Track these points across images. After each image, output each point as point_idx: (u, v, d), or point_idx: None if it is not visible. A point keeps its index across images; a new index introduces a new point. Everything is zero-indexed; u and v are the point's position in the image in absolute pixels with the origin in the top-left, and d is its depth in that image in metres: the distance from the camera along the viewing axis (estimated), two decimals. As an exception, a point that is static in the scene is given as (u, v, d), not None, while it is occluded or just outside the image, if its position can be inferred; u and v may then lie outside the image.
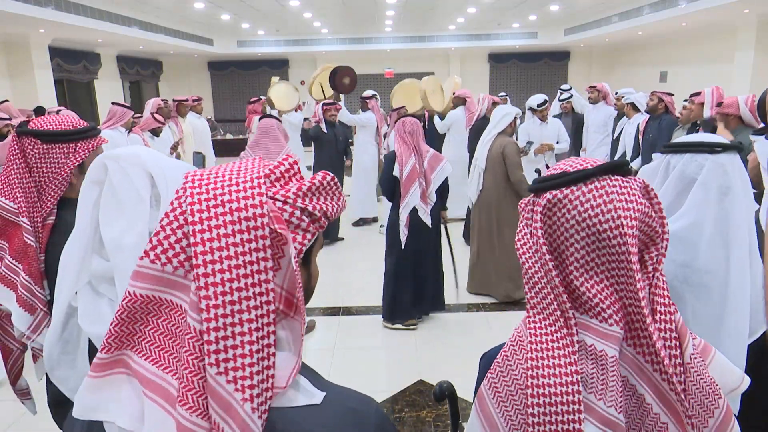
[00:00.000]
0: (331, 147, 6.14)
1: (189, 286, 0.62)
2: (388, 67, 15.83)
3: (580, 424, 0.77)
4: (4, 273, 1.48)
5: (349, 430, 0.66)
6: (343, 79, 6.91)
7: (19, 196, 1.44)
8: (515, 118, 4.44)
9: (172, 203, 0.65)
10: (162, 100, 6.42)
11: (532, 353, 0.81)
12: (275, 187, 0.66)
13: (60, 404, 1.65)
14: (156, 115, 5.54)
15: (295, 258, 0.64)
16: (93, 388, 0.65)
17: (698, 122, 4.40)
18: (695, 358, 0.79)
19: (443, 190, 3.96)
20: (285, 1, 9.73)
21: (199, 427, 0.59)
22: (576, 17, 12.40)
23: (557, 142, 5.71)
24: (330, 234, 6.11)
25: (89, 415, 0.65)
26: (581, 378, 0.79)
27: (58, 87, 10.16)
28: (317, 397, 0.66)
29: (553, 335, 0.81)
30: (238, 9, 10.54)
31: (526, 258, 0.85)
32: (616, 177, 0.82)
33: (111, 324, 0.64)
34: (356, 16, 11.77)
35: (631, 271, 0.79)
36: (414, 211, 3.79)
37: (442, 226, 4.16)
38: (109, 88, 12.27)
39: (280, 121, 3.93)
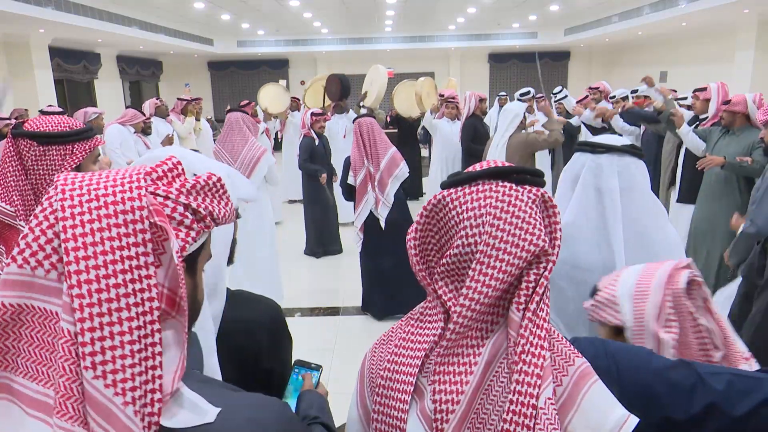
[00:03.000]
0: (322, 159, 5.61)
1: (62, 288, 0.58)
2: (388, 67, 15.82)
3: (406, 405, 0.79)
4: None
5: None
6: (331, 87, 6.87)
7: (15, 199, 1.43)
8: (525, 114, 4.45)
9: (41, 203, 0.60)
10: (156, 99, 6.49)
11: (405, 332, 0.84)
12: (156, 184, 0.63)
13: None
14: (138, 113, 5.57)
15: (177, 254, 0.61)
16: None
17: (699, 117, 4.37)
18: (550, 403, 0.71)
19: (411, 190, 4.01)
20: (285, 1, 9.72)
21: None
22: (576, 17, 12.39)
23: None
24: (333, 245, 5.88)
25: None
26: (427, 366, 0.79)
27: (58, 87, 10.16)
28: (210, 414, 0.63)
29: (428, 321, 0.82)
30: (238, 9, 10.54)
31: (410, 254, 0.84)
32: (504, 183, 0.77)
33: None
34: (356, 16, 11.76)
35: (493, 281, 0.74)
36: (391, 212, 3.84)
37: None
38: (109, 88, 12.27)
39: (247, 114, 3.87)
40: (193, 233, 0.63)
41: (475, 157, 5.65)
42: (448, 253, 0.78)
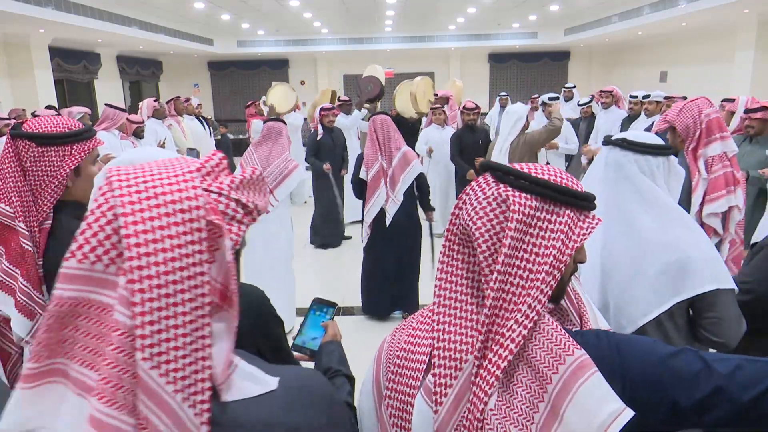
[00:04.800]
0: (329, 154, 5.72)
1: (119, 282, 0.61)
2: (388, 67, 15.81)
3: (417, 381, 0.84)
4: (1, 278, 1.46)
5: (306, 407, 0.69)
6: (368, 86, 6.96)
7: (14, 200, 1.42)
8: (527, 116, 4.43)
9: (96, 199, 0.62)
10: (154, 100, 6.39)
11: (423, 316, 0.89)
12: (207, 180, 0.66)
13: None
14: (131, 118, 5.46)
15: (231, 250, 0.64)
16: (26, 401, 0.62)
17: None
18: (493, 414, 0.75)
19: (422, 189, 3.96)
20: (285, 1, 9.71)
21: (119, 421, 0.59)
22: (576, 17, 12.38)
23: (565, 143, 5.68)
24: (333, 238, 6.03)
25: (20, 429, 0.62)
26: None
27: (58, 87, 10.14)
28: (272, 383, 0.68)
29: (435, 314, 0.87)
30: (238, 9, 10.52)
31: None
32: (487, 177, 0.84)
33: (39, 331, 0.62)
34: (356, 16, 11.75)
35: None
36: (397, 211, 3.82)
37: (428, 225, 4.14)
38: (109, 88, 12.26)
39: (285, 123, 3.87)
40: (243, 227, 0.67)
41: (458, 173, 5.52)
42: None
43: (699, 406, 0.74)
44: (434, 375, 0.79)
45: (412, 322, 0.92)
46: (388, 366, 0.90)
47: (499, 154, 4.33)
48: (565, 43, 14.42)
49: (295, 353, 1.16)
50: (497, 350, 0.76)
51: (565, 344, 0.76)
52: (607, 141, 1.50)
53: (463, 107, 5.58)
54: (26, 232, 1.43)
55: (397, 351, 0.89)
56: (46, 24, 7.98)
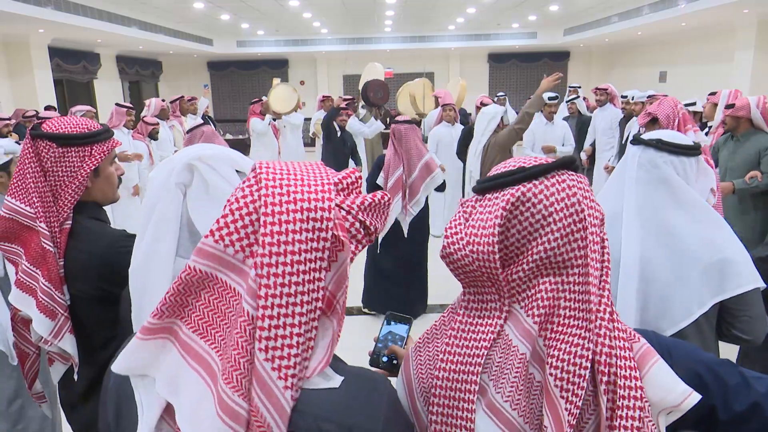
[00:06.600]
0: (338, 153, 6.11)
1: (244, 270, 0.66)
2: (388, 67, 15.80)
3: (472, 404, 0.78)
4: (22, 279, 1.45)
5: (363, 411, 0.69)
6: (378, 92, 7.00)
7: (35, 200, 1.41)
8: (501, 116, 4.26)
9: (243, 189, 0.68)
10: (162, 100, 6.37)
11: (455, 330, 0.83)
12: (341, 196, 0.70)
13: (74, 406, 1.64)
14: (147, 119, 5.40)
15: (347, 264, 0.68)
16: (139, 348, 0.69)
17: (706, 122, 4.32)
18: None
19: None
20: (285, 1, 9.71)
21: (239, 407, 0.62)
22: (576, 17, 12.40)
23: (562, 145, 5.62)
24: None
25: (129, 372, 0.71)
26: (486, 362, 0.79)
27: (58, 87, 10.13)
28: (335, 381, 0.70)
29: (479, 317, 0.82)
30: (238, 9, 10.51)
31: (464, 252, 0.80)
32: (572, 173, 0.80)
33: (167, 293, 0.69)
34: (356, 16, 11.76)
35: (586, 268, 0.75)
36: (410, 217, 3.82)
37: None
38: (108, 88, 12.24)
39: (213, 124, 3.88)
40: (360, 246, 0.71)
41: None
42: (541, 248, 0.77)
43: (734, 419, 0.75)
44: (501, 391, 0.77)
45: (438, 336, 0.87)
46: (425, 389, 0.85)
47: (473, 156, 4.25)
48: (565, 43, 14.44)
49: (372, 368, 1.11)
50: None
51: (630, 333, 0.77)
52: (639, 141, 1.48)
53: (481, 103, 5.71)
54: (47, 233, 1.41)
55: (433, 371, 0.84)
56: (46, 24, 7.96)
